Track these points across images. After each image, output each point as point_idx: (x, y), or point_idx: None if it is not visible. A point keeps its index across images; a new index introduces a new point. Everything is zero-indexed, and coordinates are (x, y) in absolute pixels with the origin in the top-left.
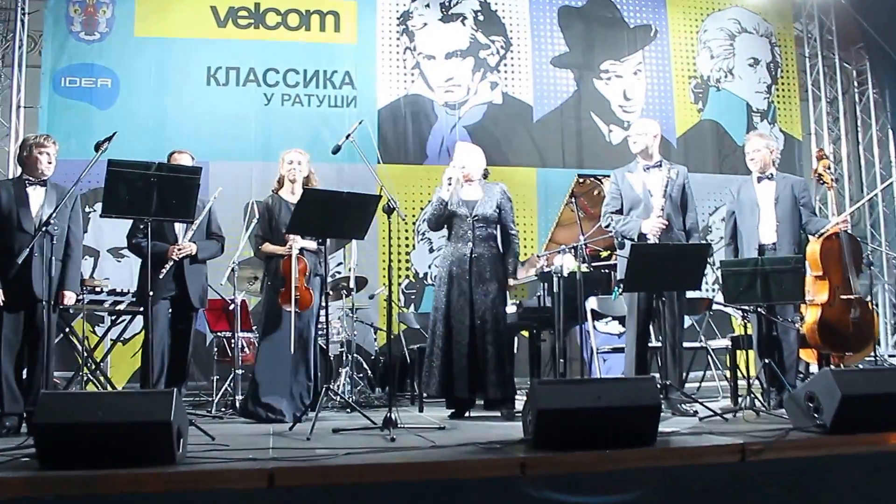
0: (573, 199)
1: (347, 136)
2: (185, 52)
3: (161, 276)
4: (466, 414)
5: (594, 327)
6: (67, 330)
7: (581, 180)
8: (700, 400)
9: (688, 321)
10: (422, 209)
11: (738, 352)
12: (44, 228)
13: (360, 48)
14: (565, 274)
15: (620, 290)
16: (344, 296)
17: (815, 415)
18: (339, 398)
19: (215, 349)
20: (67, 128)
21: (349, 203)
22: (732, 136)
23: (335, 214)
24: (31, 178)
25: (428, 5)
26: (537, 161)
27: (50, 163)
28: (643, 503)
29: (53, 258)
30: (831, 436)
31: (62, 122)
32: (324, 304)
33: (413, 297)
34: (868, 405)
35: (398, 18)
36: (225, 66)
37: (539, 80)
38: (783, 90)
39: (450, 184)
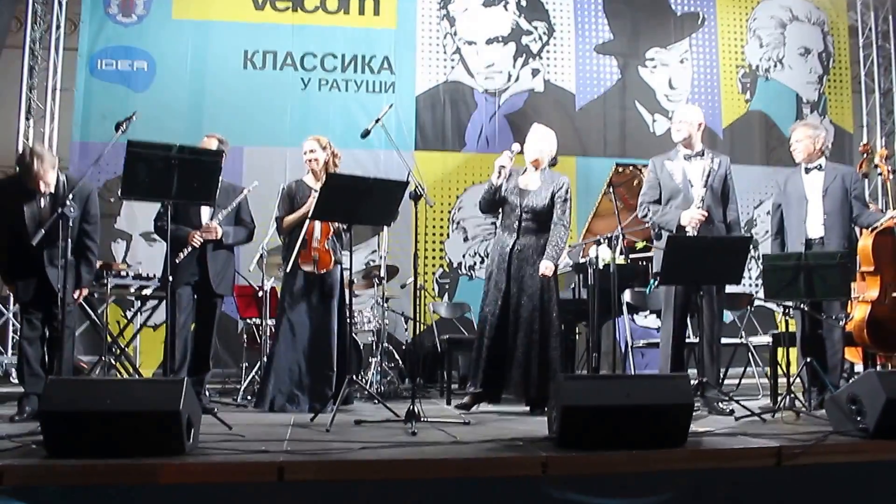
0: (611, 189)
1: (377, 121)
2: (222, 35)
3: (178, 261)
4: (476, 406)
5: (632, 321)
6: (94, 316)
7: (620, 169)
8: (739, 399)
9: (729, 316)
10: (458, 197)
11: (780, 349)
12: (59, 209)
13: (400, 33)
14: (600, 266)
15: (656, 284)
16: (375, 284)
17: (858, 418)
18: (364, 389)
19: (245, 336)
20: (103, 110)
21: (375, 189)
22: (781, 128)
23: (360, 200)
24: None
25: None
26: (579, 150)
27: (48, 185)
28: None
29: (68, 242)
30: (874, 441)
31: (98, 105)
32: (354, 293)
33: (447, 286)
34: None
35: (439, 3)
36: (262, 50)
37: (582, 68)
38: (835, 81)
39: (499, 173)
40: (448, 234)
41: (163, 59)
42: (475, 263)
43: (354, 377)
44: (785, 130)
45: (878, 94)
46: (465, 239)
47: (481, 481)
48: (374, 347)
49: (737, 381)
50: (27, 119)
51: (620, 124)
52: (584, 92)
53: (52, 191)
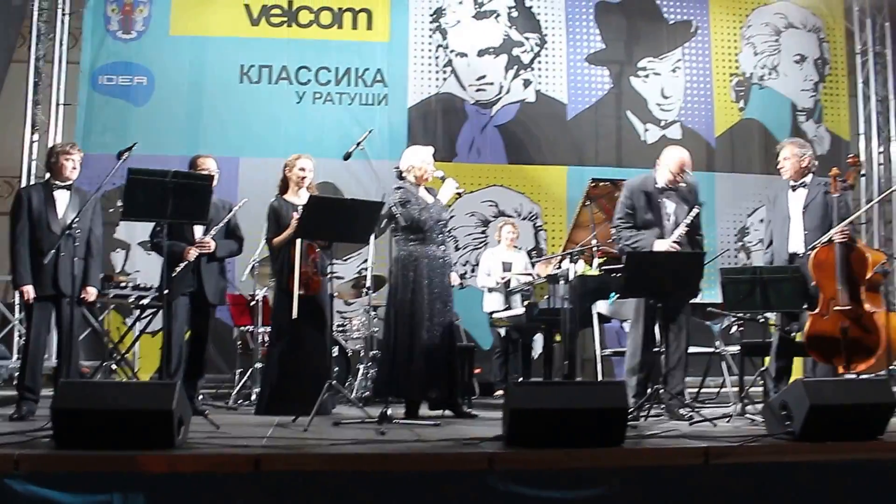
0: (588, 202)
1: (357, 144)
2: (218, 50)
3: (174, 274)
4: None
5: (622, 329)
6: (95, 323)
7: (594, 184)
8: (698, 405)
9: (717, 327)
10: (449, 206)
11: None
12: (67, 231)
13: (393, 46)
14: (572, 277)
15: (617, 296)
16: (364, 293)
17: (787, 422)
18: (344, 393)
19: (239, 343)
20: (104, 124)
21: (353, 209)
22: (776, 136)
23: (340, 220)
24: (57, 183)
25: (461, 2)
26: (570, 160)
27: (75, 168)
28: (605, 500)
29: (76, 258)
30: (798, 443)
31: (99, 119)
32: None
33: None
34: (836, 415)
35: (431, 15)
36: (258, 65)
37: (574, 78)
38: (831, 88)
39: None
40: None
41: (161, 73)
42: (465, 273)
43: (334, 382)
44: (780, 138)
45: (874, 101)
46: (456, 248)
47: (435, 475)
48: (362, 354)
49: (717, 390)
50: (32, 133)
51: (612, 134)
52: (575, 102)
53: (75, 178)
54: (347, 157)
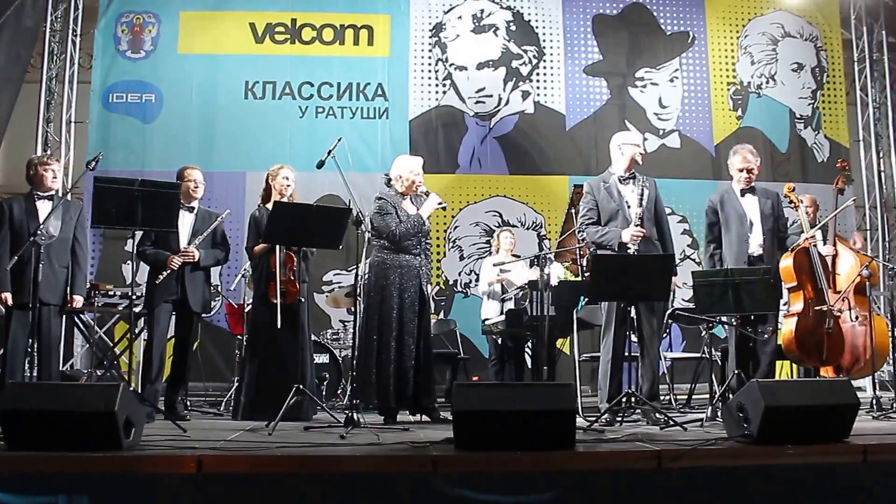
0: (573, 209)
1: (329, 153)
2: (224, 67)
3: (158, 282)
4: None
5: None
6: (92, 331)
7: (577, 190)
8: (687, 410)
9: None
10: (453, 217)
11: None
12: (31, 238)
13: (393, 60)
14: (554, 283)
15: (585, 301)
16: (356, 302)
17: (745, 425)
18: (315, 399)
19: (238, 351)
20: (114, 141)
21: (318, 215)
22: (776, 144)
23: (305, 225)
24: (39, 193)
25: (460, 17)
26: (572, 169)
27: (55, 178)
28: None
29: (43, 264)
30: (753, 446)
31: (109, 136)
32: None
33: (443, 304)
34: (794, 417)
35: (430, 30)
36: (262, 81)
37: (572, 89)
38: (829, 95)
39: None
40: (444, 253)
41: (170, 91)
42: (470, 281)
43: (303, 387)
44: (780, 146)
45: (871, 108)
46: (461, 258)
47: (381, 477)
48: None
49: (708, 395)
50: (44, 150)
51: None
52: (574, 113)
53: (56, 188)
54: (320, 165)
